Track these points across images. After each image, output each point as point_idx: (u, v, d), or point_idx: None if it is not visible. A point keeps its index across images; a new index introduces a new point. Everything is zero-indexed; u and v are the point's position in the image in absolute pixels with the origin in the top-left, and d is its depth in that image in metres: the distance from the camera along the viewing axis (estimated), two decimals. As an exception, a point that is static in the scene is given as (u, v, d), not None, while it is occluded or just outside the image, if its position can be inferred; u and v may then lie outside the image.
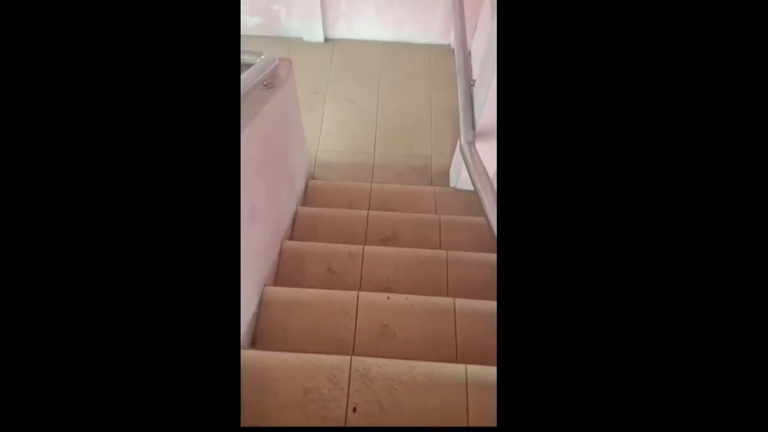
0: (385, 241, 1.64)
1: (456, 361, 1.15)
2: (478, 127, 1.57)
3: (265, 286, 1.27)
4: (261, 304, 1.24)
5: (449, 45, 2.74)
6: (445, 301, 1.25)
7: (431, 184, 2.18)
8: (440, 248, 1.61)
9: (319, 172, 2.20)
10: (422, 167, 2.26)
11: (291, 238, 1.61)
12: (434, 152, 2.31)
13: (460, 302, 1.25)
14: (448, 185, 2.11)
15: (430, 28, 2.67)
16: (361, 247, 1.48)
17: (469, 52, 2.15)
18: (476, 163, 1.39)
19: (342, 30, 2.72)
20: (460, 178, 1.91)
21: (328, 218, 1.70)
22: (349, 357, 1.04)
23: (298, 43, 2.76)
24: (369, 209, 1.81)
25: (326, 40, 2.76)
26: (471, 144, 1.51)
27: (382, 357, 1.05)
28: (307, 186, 1.90)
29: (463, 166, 1.55)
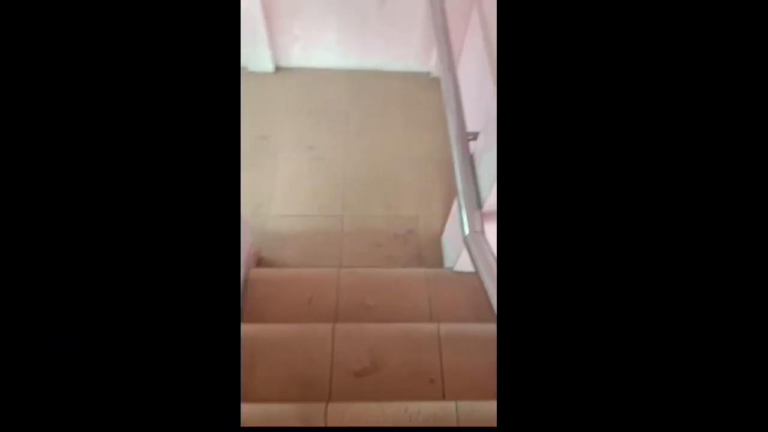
0: (361, 376, 1.12)
1: None
2: (487, 203, 1.07)
3: None
4: None
5: (428, 72, 2.27)
6: None
7: (420, 260, 1.67)
8: (443, 390, 1.09)
9: (271, 248, 1.66)
10: (407, 233, 1.75)
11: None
12: (421, 211, 1.80)
13: None
14: (443, 262, 1.61)
15: (405, 54, 2.18)
16: (323, 406, 0.94)
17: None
18: (488, 261, 0.88)
19: (297, 57, 2.20)
20: (459, 258, 1.42)
21: (274, 340, 1.16)
22: None
23: (242, 73, 2.23)
24: (337, 318, 1.28)
25: (277, 69, 2.23)
26: (479, 233, 1.00)
27: None
28: (248, 280, 1.36)
29: (460, 240, 1.05)
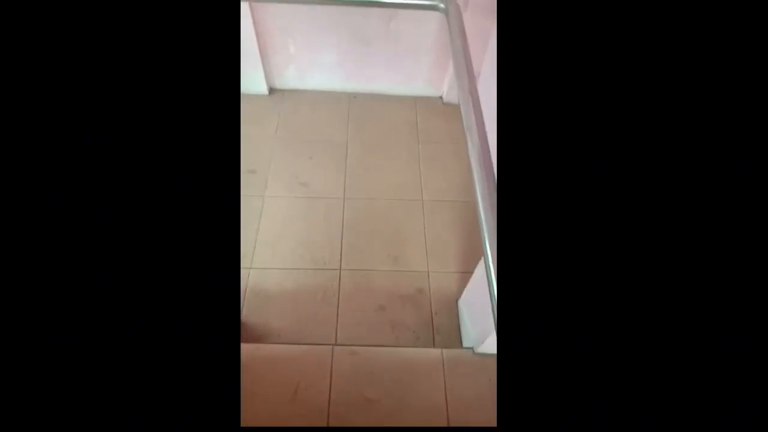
0: None
1: None
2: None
3: None
4: None
5: (441, 97, 2.01)
6: None
7: (432, 328, 1.40)
8: None
9: (254, 308, 1.38)
10: (416, 294, 1.47)
11: None
12: (432, 266, 1.53)
13: None
14: (460, 333, 1.34)
15: (414, 76, 1.93)
16: None
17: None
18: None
19: (292, 78, 1.94)
20: (483, 336, 1.14)
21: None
22: None
23: None
24: (329, 416, 1.00)
25: (271, 91, 1.98)
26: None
27: None
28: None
29: (489, 316, 0.79)
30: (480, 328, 1.15)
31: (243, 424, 1.12)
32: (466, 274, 1.46)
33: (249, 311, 1.39)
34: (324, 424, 0.98)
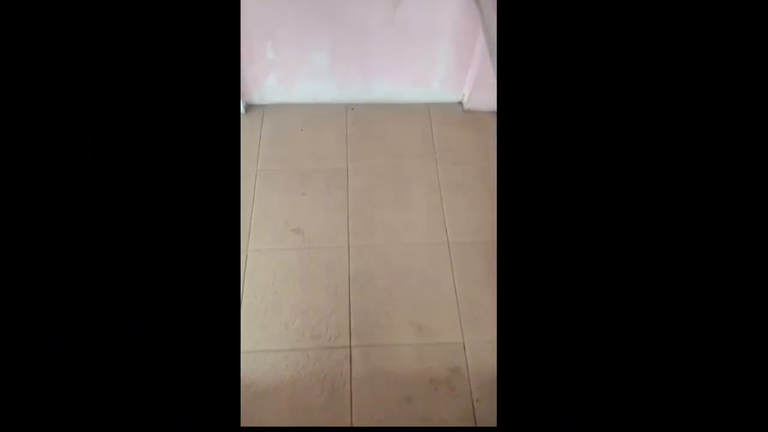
0: None
1: None
2: None
3: None
4: None
5: (461, 103, 1.63)
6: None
7: (475, 421, 1.08)
8: None
9: (241, 408, 1.07)
10: (450, 375, 1.13)
11: None
12: (468, 334, 1.17)
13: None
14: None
15: (427, 77, 1.54)
16: None
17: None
18: None
19: (274, 90, 1.56)
20: None
21: None
22: None
23: None
24: None
25: (249, 108, 1.61)
26: None
27: None
28: None
29: None
30: None
31: None
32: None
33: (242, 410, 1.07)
34: None
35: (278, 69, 1.48)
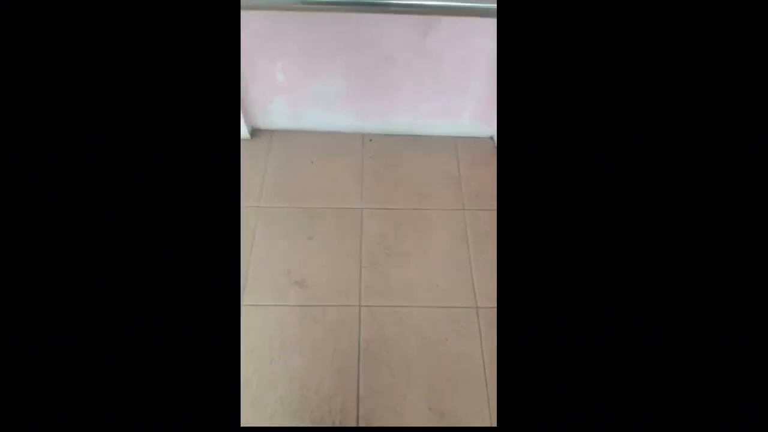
0: None
1: None
2: None
3: None
4: None
5: (492, 138, 1.44)
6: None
7: None
8: None
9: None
10: (476, 480, 0.95)
11: None
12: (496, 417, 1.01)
13: None
14: None
15: (456, 107, 1.35)
16: None
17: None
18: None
19: (282, 115, 1.38)
20: None
21: None
22: None
23: None
24: None
25: (254, 132, 1.44)
26: None
27: None
28: None
29: None
30: None
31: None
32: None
33: None
34: None
35: (288, 92, 1.31)
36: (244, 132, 1.38)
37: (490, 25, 1.12)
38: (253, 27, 1.11)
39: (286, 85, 1.28)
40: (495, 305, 1.12)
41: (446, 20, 1.11)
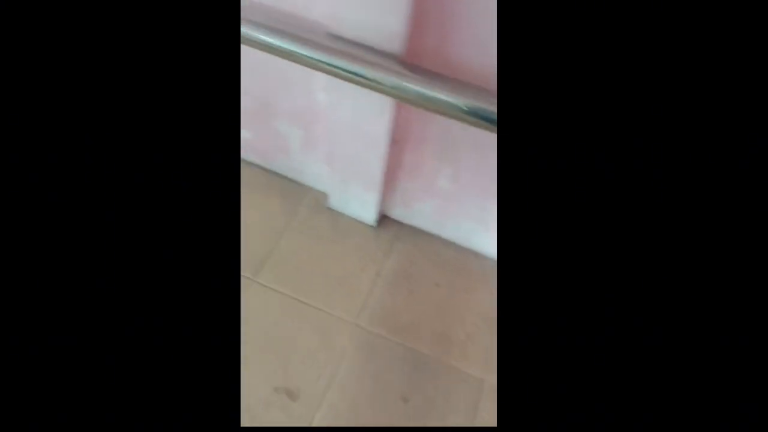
0: None
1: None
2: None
3: None
4: None
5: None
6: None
7: None
8: None
9: None
10: None
11: None
12: None
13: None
14: None
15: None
16: None
17: None
18: None
19: (425, 215, 1.13)
20: None
21: None
22: None
23: (317, 209, 1.16)
24: None
25: (381, 220, 1.18)
26: None
27: None
28: None
29: None
30: None
31: None
32: None
33: None
34: None
35: (445, 199, 1.05)
36: (371, 217, 1.13)
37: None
38: (424, 116, 0.86)
39: (447, 191, 1.02)
40: None
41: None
